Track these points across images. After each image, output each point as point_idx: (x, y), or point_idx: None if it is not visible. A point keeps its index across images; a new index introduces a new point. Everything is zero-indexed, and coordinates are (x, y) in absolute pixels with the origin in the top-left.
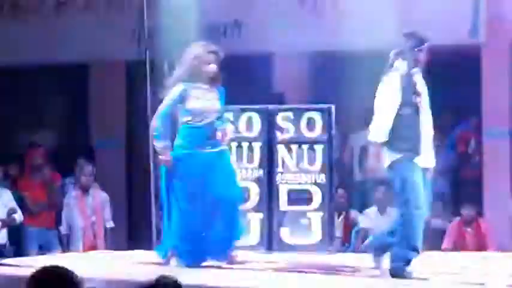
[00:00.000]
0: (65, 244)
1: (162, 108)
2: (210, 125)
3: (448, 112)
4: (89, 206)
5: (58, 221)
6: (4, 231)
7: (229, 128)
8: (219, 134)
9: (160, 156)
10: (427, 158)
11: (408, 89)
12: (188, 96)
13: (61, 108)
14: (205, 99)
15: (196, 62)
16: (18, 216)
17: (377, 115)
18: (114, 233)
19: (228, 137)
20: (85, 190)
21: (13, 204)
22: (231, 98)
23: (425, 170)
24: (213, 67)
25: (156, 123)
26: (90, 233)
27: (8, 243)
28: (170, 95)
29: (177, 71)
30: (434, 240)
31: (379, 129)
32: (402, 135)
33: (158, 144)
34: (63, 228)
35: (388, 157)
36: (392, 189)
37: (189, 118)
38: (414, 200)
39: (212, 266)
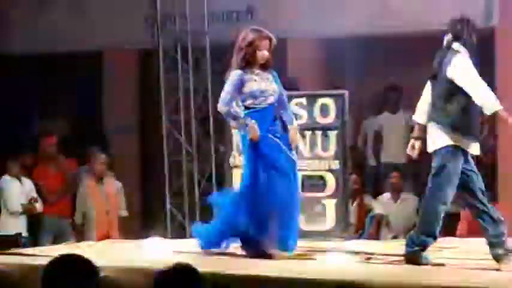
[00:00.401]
0: (79, 233)
1: (225, 95)
2: (272, 107)
3: None
4: (102, 194)
5: (73, 210)
6: (24, 221)
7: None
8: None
9: (250, 134)
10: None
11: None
12: (246, 80)
13: (74, 97)
14: (261, 81)
15: (251, 49)
16: (39, 205)
17: (482, 87)
18: (129, 221)
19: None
20: (99, 179)
21: (34, 193)
22: None
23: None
24: (266, 53)
25: (225, 109)
26: (105, 222)
27: (27, 233)
28: (229, 81)
29: (233, 58)
30: (449, 225)
31: (493, 97)
32: (468, 119)
33: (246, 121)
34: (77, 218)
35: (447, 139)
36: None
37: (251, 101)
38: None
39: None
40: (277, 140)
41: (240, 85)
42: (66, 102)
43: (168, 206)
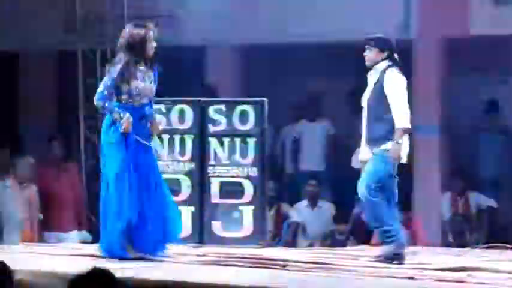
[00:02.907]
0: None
1: (103, 89)
2: (145, 106)
3: None
4: (25, 198)
5: None
6: None
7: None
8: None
9: (124, 126)
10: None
11: None
12: (128, 76)
13: None
14: (143, 81)
15: (142, 43)
16: None
17: (402, 102)
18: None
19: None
20: (21, 183)
21: None
22: (164, 89)
23: None
24: (154, 43)
25: (101, 103)
26: (28, 226)
27: None
28: (109, 76)
29: (121, 55)
30: (366, 234)
31: (407, 115)
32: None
33: (120, 115)
34: None
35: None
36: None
37: (126, 97)
38: None
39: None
40: (144, 142)
41: (119, 82)
42: None
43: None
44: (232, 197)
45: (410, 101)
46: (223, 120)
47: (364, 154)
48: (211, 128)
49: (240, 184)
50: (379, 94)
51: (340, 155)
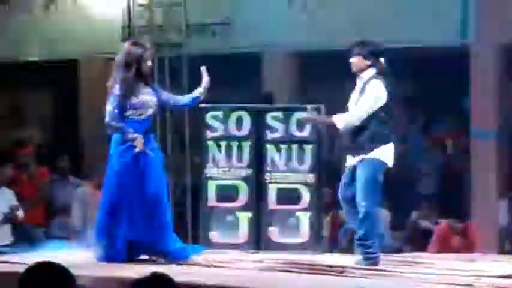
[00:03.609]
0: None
1: (110, 110)
2: (150, 118)
3: (436, 112)
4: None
5: (47, 219)
6: (7, 229)
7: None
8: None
9: (138, 146)
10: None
11: None
12: (130, 93)
13: (50, 105)
14: (143, 95)
15: (138, 62)
16: (20, 213)
17: (362, 110)
18: None
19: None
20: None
21: (15, 201)
22: (221, 97)
23: None
24: (150, 64)
25: (111, 124)
26: None
27: (11, 242)
28: (113, 97)
29: (119, 74)
30: (422, 241)
31: (351, 122)
32: None
33: (133, 136)
34: (77, 224)
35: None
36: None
37: (131, 112)
38: None
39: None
40: (150, 153)
41: (124, 100)
42: (40, 110)
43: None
44: (289, 204)
45: (468, 105)
46: (280, 127)
47: (349, 161)
48: (269, 135)
49: (296, 190)
50: None
51: (396, 163)
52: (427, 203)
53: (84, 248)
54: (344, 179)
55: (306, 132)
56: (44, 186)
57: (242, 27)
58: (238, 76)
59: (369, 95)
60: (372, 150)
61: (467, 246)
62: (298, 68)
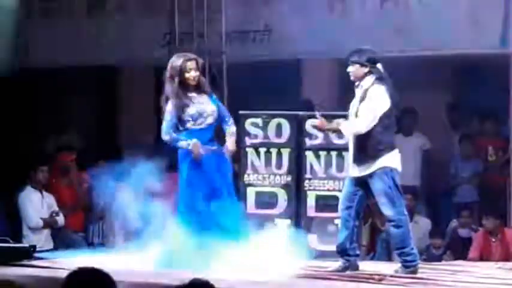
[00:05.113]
0: None
1: (166, 124)
2: (211, 127)
3: (476, 119)
4: None
5: (87, 224)
6: (49, 236)
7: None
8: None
9: (194, 152)
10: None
11: None
12: (183, 106)
13: (90, 111)
14: (198, 104)
15: (180, 73)
16: (60, 219)
17: (367, 117)
18: None
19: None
20: None
21: (56, 207)
22: (261, 103)
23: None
24: (194, 73)
25: (168, 137)
26: None
27: (51, 246)
28: (167, 112)
29: (167, 87)
30: (462, 249)
31: (358, 129)
32: None
33: (187, 142)
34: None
35: None
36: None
37: (191, 124)
38: None
39: None
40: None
41: (178, 112)
42: (79, 116)
43: None
44: (328, 211)
45: (507, 113)
46: (319, 134)
47: (353, 171)
48: (308, 142)
49: (335, 198)
50: None
51: (436, 170)
52: (467, 211)
53: (120, 253)
54: (347, 188)
55: (344, 140)
56: (83, 191)
57: (281, 35)
58: (277, 83)
59: (373, 101)
60: (378, 159)
61: (506, 254)
62: (338, 76)
